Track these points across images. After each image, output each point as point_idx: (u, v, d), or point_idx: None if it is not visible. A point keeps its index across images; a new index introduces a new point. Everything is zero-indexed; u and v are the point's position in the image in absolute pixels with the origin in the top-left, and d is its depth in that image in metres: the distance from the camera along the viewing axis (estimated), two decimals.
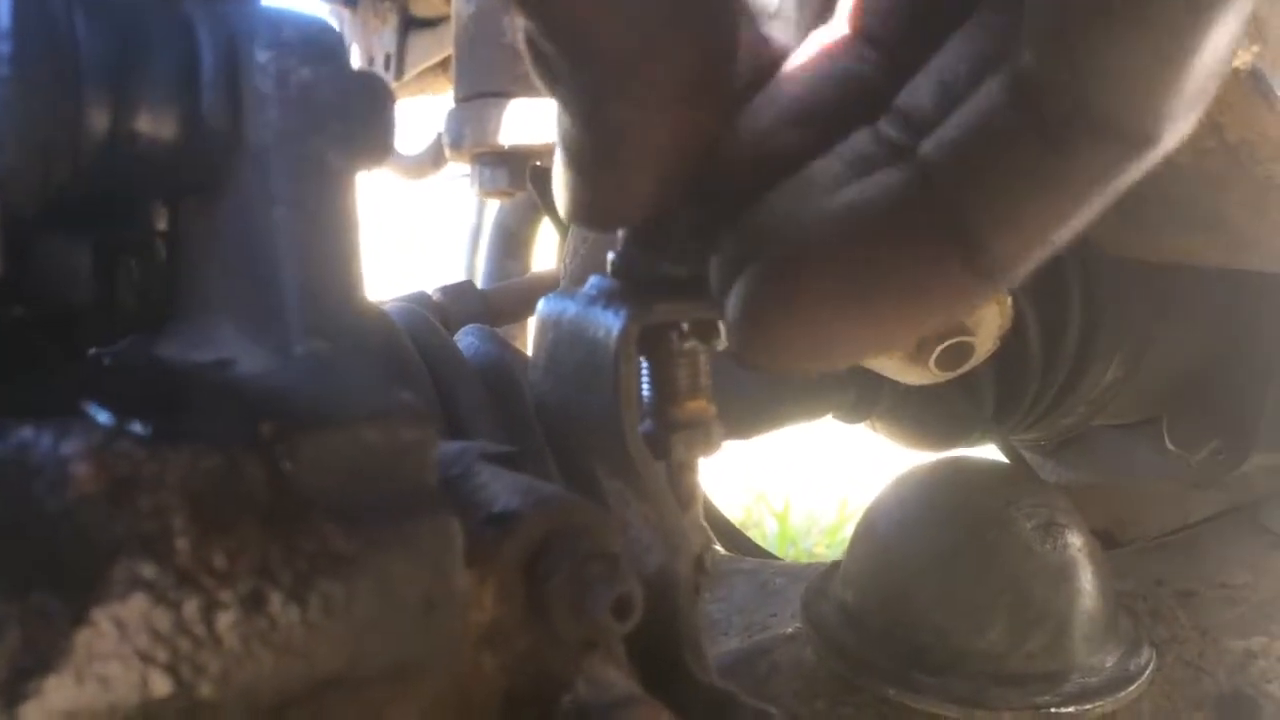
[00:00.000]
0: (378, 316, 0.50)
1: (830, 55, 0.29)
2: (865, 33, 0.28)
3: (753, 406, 0.72)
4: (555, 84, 0.26)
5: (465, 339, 0.60)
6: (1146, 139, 0.22)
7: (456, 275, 1.05)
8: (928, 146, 0.24)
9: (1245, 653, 0.51)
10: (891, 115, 0.26)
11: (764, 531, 2.09)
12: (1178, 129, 0.23)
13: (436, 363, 0.52)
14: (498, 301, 0.87)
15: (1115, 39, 0.21)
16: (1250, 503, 0.65)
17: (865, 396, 0.69)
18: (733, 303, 0.26)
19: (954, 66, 0.25)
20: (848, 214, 0.24)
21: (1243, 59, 0.41)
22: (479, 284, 0.98)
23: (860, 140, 0.26)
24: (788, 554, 2.03)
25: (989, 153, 0.23)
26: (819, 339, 0.25)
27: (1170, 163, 0.48)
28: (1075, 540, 0.47)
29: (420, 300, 0.82)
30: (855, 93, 0.28)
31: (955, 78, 0.25)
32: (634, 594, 0.26)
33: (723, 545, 0.80)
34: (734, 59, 0.27)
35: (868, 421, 0.75)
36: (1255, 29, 0.45)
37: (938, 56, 0.26)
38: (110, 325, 0.25)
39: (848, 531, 1.87)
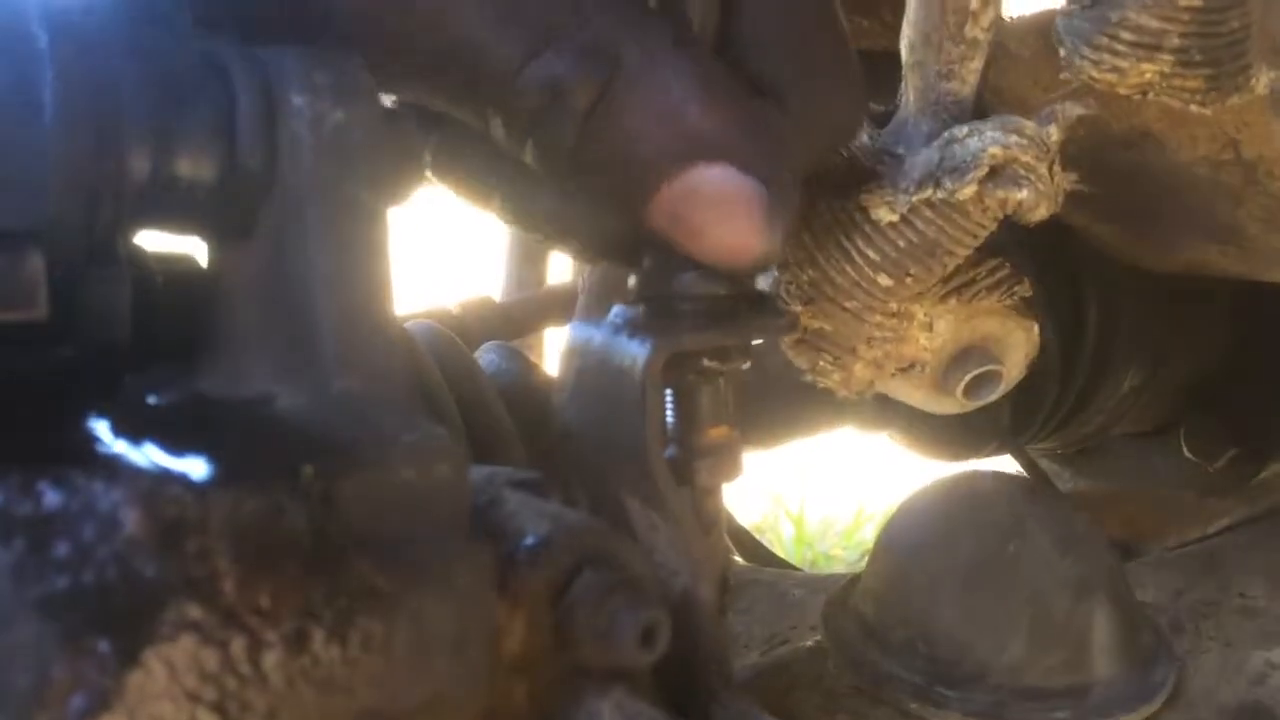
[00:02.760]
0: (408, 346, 0.50)
1: None
2: None
3: (774, 417, 0.72)
4: None
5: (487, 356, 0.61)
6: None
7: (486, 284, 1.06)
8: None
9: (1266, 664, 0.51)
10: None
11: (780, 535, 2.09)
12: None
13: (460, 385, 0.52)
14: (516, 314, 0.87)
15: None
16: (1268, 512, 0.65)
17: (884, 408, 0.70)
18: None
19: None
20: None
21: (1264, 84, 0.41)
22: (499, 291, 0.99)
23: None
24: (804, 556, 2.03)
25: None
26: None
27: (1188, 175, 0.49)
28: (1094, 552, 0.47)
29: (440, 315, 0.83)
30: None
31: None
32: (660, 623, 0.26)
33: (741, 555, 0.81)
34: None
35: (887, 431, 0.76)
36: (1273, 51, 0.46)
37: None
38: (147, 360, 0.26)
39: (863, 534, 1.87)
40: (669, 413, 0.34)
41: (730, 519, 0.85)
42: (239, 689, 0.20)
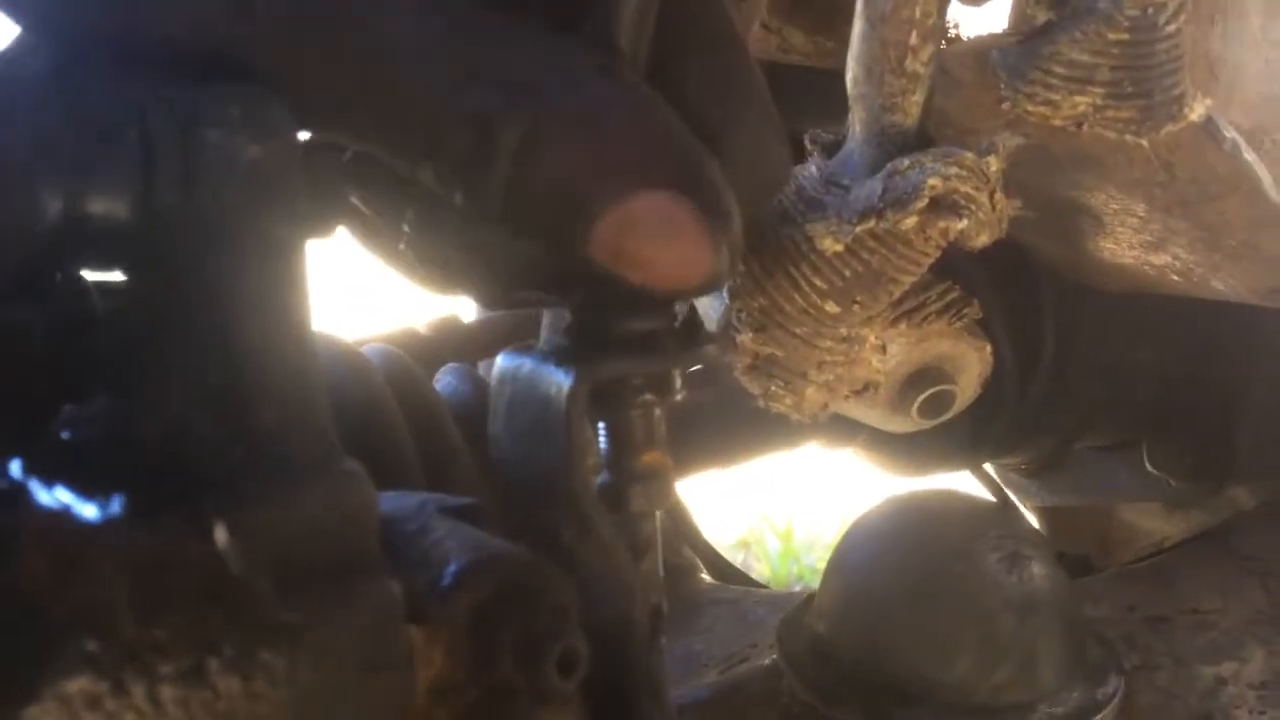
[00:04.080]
0: (355, 371, 0.51)
1: None
2: None
3: (736, 436, 0.72)
4: None
5: (444, 379, 0.61)
6: None
7: (454, 304, 1.06)
8: None
9: (1215, 679, 0.51)
10: None
11: (767, 550, 2.09)
12: None
13: (414, 409, 0.53)
14: (484, 334, 0.88)
15: None
16: (1223, 528, 0.65)
17: (847, 424, 0.70)
18: None
19: None
20: None
21: (1198, 112, 0.41)
22: (467, 312, 0.99)
23: None
24: (790, 571, 2.03)
25: None
26: None
27: (1126, 198, 0.49)
28: (1041, 571, 0.48)
29: (407, 336, 0.83)
30: None
31: None
32: (579, 648, 0.27)
33: (710, 574, 0.81)
34: None
35: (850, 448, 0.76)
36: (1209, 70, 0.46)
37: None
38: (64, 396, 0.26)
39: None
40: (602, 440, 0.34)
41: (700, 539, 0.85)
42: None
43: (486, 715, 0.27)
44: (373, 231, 0.35)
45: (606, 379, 0.32)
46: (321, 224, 0.28)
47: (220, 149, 0.26)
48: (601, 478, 0.34)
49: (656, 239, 0.29)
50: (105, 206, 0.25)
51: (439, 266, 0.34)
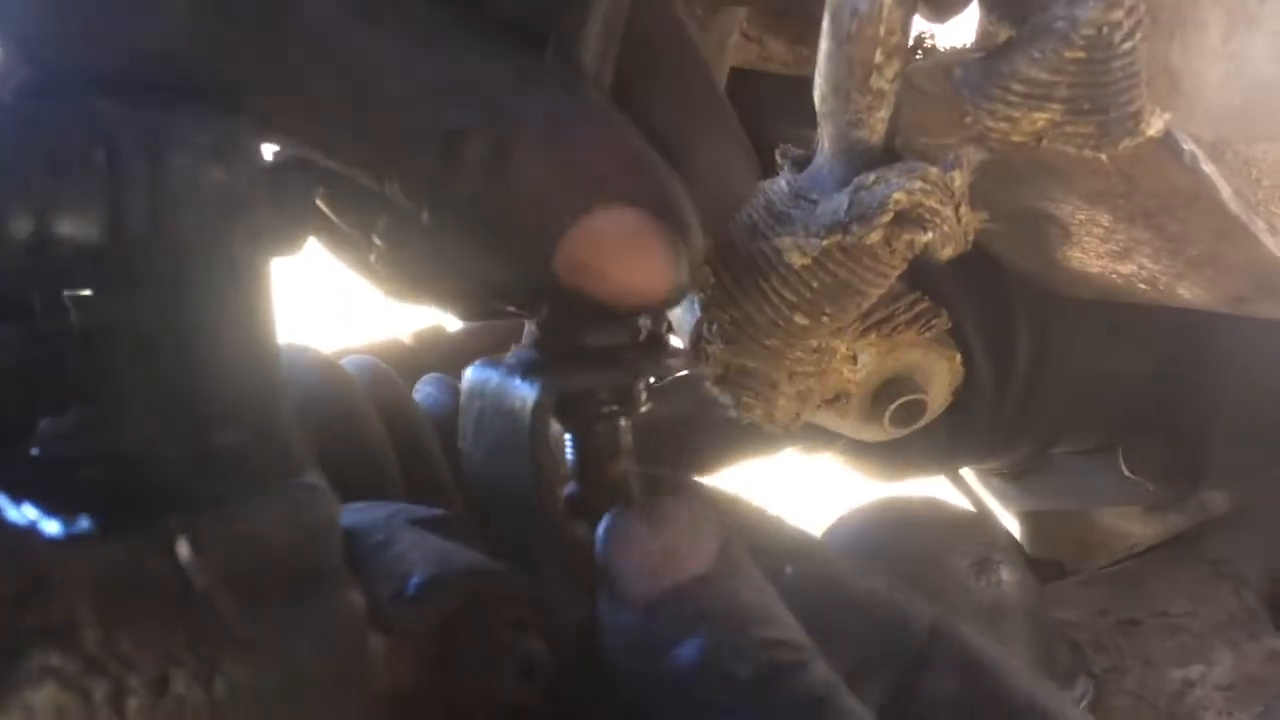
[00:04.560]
0: (334, 383, 0.51)
1: None
2: None
3: (713, 443, 0.73)
4: None
5: (424, 389, 0.62)
6: None
7: (438, 314, 1.07)
8: None
9: (1184, 681, 0.52)
10: None
11: None
12: None
13: (394, 420, 0.53)
14: (468, 343, 0.88)
15: None
16: (1194, 532, 0.66)
17: (822, 432, 0.71)
18: None
19: None
20: None
21: (1156, 127, 0.42)
22: (451, 321, 1.00)
23: None
24: None
25: None
26: None
27: (1091, 209, 0.50)
28: (1010, 577, 0.49)
29: (391, 346, 0.84)
30: None
31: None
32: (539, 656, 0.27)
33: None
34: None
35: (829, 454, 0.77)
36: (1170, 83, 0.47)
37: None
38: (37, 413, 0.27)
39: None
40: (570, 451, 0.35)
41: None
42: None
43: None
44: (343, 243, 0.35)
45: (572, 392, 0.33)
46: (288, 242, 0.28)
47: (187, 172, 0.26)
48: (570, 488, 0.35)
49: (619, 254, 0.30)
50: (73, 229, 0.26)
51: (409, 279, 0.35)
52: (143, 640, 0.21)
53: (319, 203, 0.35)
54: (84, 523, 0.22)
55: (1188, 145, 0.43)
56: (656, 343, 0.34)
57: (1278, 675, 0.51)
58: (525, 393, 0.32)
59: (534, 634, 0.28)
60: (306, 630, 0.23)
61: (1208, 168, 0.43)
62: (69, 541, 0.21)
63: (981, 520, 0.62)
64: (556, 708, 0.29)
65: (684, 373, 0.62)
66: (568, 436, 0.35)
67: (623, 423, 0.35)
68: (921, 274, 0.57)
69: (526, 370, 0.33)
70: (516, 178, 0.29)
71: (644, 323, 0.35)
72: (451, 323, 0.99)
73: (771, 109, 0.69)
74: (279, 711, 0.23)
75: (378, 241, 0.34)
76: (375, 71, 0.29)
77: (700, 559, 0.30)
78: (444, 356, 0.85)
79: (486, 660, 0.27)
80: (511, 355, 0.34)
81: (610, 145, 0.31)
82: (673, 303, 0.32)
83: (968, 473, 0.85)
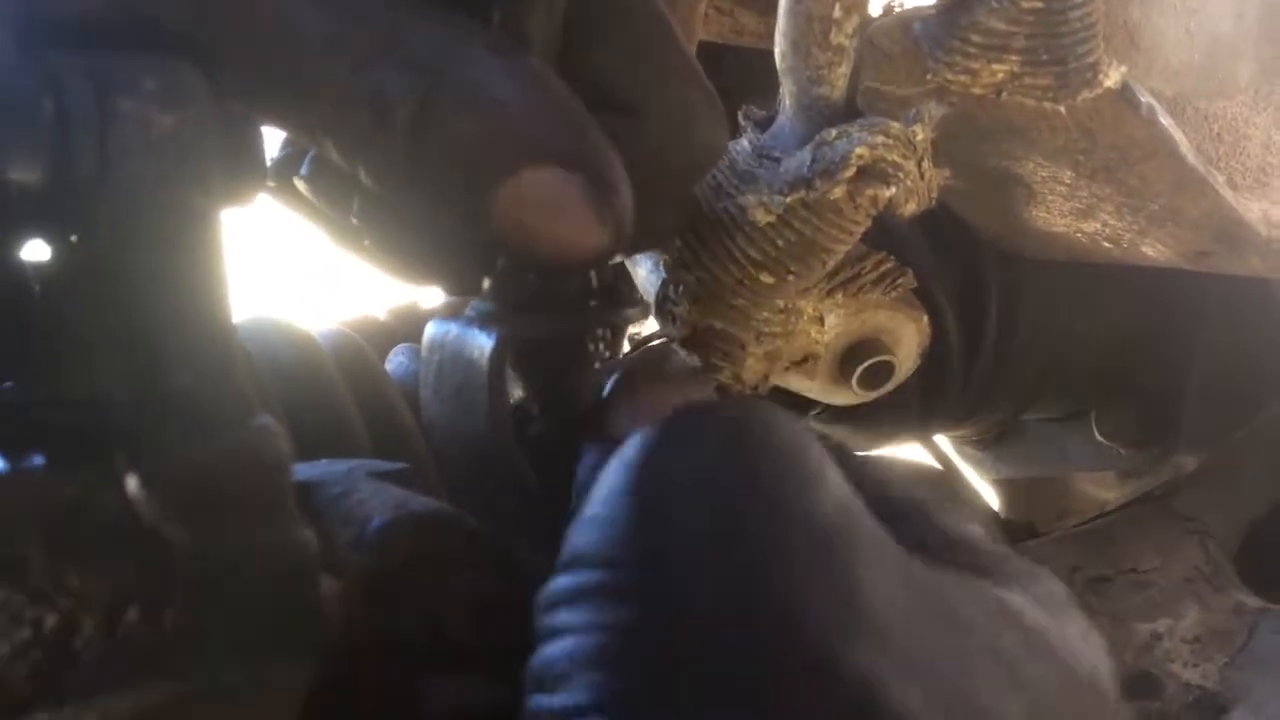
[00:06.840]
0: (302, 351, 0.51)
1: None
2: None
3: None
4: None
5: (396, 359, 0.62)
6: None
7: (415, 290, 1.06)
8: None
9: (1151, 634, 0.52)
10: None
11: None
12: None
13: (363, 388, 0.53)
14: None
15: None
16: (1164, 490, 0.67)
17: (796, 399, 0.71)
18: None
19: None
20: None
21: (1113, 79, 0.43)
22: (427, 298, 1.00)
23: None
24: None
25: None
26: None
27: (1053, 165, 0.50)
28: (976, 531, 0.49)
29: (368, 322, 0.84)
30: None
31: None
32: (496, 604, 0.28)
33: None
34: None
35: (807, 419, 0.77)
36: (1129, 38, 0.47)
37: None
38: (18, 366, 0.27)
39: None
40: (527, 398, 0.35)
41: None
42: (53, 667, 0.21)
43: (404, 671, 0.28)
44: (342, 234, 0.35)
45: (528, 339, 0.33)
46: (239, 191, 0.28)
47: (135, 119, 0.26)
48: (536, 429, 0.35)
49: (545, 213, 0.30)
50: (22, 175, 0.26)
51: (398, 256, 0.35)
52: (91, 574, 0.21)
53: (301, 189, 0.35)
54: (34, 460, 0.22)
55: (1145, 98, 0.43)
56: (614, 291, 0.35)
57: (1242, 628, 0.51)
58: (483, 342, 0.32)
59: (490, 577, 0.28)
60: (255, 565, 0.23)
61: (1165, 120, 0.44)
62: (16, 476, 0.21)
63: (950, 484, 0.63)
64: (506, 651, 0.30)
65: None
66: (533, 383, 0.35)
67: (580, 370, 0.35)
68: (893, 240, 0.57)
69: (484, 321, 0.33)
70: (445, 138, 0.29)
71: (593, 275, 0.35)
72: (427, 299, 0.99)
73: (745, 83, 0.69)
74: (229, 649, 0.23)
75: (355, 221, 0.34)
76: (310, 38, 0.29)
77: None
78: (420, 332, 0.85)
79: (440, 602, 0.27)
80: (470, 308, 0.34)
81: (535, 104, 0.31)
82: (597, 263, 0.33)
83: (944, 443, 0.86)
